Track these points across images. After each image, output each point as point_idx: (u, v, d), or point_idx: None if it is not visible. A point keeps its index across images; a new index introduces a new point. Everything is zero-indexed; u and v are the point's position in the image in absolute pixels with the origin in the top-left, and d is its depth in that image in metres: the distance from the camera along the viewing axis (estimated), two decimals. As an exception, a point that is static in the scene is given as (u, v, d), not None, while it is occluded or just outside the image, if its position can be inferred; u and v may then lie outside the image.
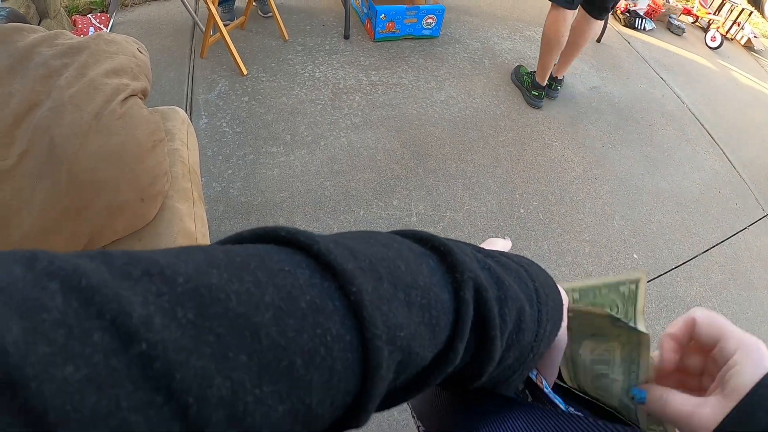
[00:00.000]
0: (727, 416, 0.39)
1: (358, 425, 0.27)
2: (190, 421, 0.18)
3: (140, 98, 1.17)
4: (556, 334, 0.45)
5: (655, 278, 2.52)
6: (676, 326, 0.50)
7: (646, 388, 0.47)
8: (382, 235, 0.34)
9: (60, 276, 0.18)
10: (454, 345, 0.31)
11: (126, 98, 1.08)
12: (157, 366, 0.18)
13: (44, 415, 0.15)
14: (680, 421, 0.43)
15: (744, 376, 0.40)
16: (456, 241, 0.37)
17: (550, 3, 2.77)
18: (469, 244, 0.39)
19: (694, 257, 2.70)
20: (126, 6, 3.43)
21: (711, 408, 0.41)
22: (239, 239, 0.29)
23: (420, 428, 0.71)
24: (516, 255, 0.45)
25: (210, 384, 0.19)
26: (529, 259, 0.45)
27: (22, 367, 0.15)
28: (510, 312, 0.34)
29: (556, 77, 3.13)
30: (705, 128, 3.52)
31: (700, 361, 0.49)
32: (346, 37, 3.32)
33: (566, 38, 2.80)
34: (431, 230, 2.41)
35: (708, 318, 0.47)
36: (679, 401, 0.44)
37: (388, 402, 0.31)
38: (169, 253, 0.23)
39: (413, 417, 0.78)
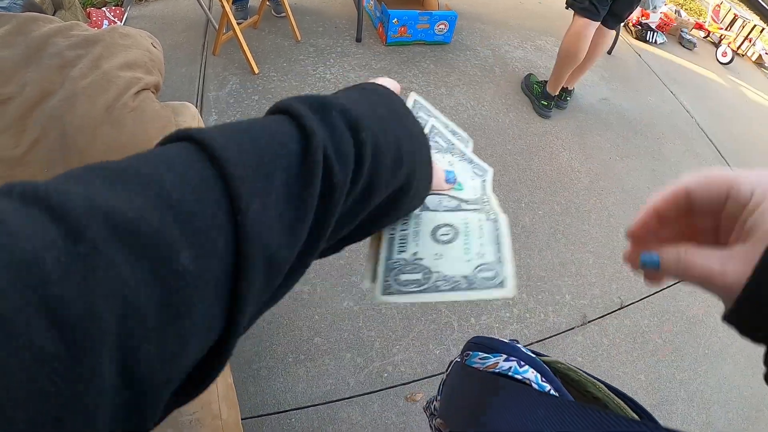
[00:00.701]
0: (760, 262, 0.33)
1: (245, 228, 0.27)
2: (59, 218, 0.21)
3: (153, 92, 1.16)
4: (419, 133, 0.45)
5: (657, 292, 2.51)
6: (661, 201, 0.43)
7: (657, 251, 0.41)
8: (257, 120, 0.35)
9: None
10: (302, 210, 0.31)
11: (138, 92, 1.08)
12: (28, 194, 0.21)
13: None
14: (710, 280, 0.37)
15: None
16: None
17: (572, 13, 2.76)
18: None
19: (698, 272, 2.69)
20: (140, 0, 3.45)
21: (740, 259, 0.35)
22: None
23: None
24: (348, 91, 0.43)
25: (67, 190, 0.22)
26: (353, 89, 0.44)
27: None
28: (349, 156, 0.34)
29: (567, 88, 3.13)
30: (713, 143, 3.51)
31: (711, 221, 0.41)
32: (358, 40, 3.33)
33: (585, 52, 2.79)
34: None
35: (705, 181, 0.39)
36: (703, 259, 0.37)
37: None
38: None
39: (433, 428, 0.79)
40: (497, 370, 0.61)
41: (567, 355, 2.15)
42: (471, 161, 0.58)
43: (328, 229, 0.34)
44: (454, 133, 0.60)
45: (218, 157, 0.27)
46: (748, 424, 2.33)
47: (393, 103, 0.44)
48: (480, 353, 0.66)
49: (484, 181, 0.57)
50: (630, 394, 1.83)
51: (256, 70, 2.94)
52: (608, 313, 2.36)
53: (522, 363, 0.60)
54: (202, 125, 1.43)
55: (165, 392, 0.24)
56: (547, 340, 2.17)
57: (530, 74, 3.29)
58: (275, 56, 3.12)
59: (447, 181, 0.51)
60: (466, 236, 0.51)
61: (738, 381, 2.40)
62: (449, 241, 0.50)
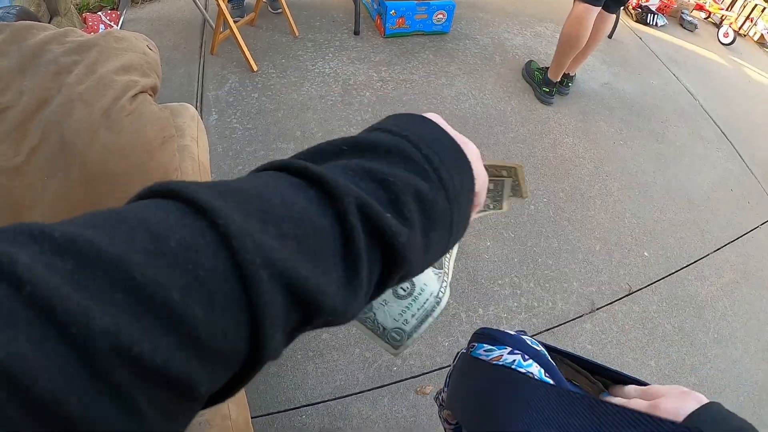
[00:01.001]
0: None
1: (264, 357, 0.28)
2: (81, 351, 0.20)
3: (150, 95, 1.16)
4: (471, 179, 0.43)
5: (665, 276, 2.50)
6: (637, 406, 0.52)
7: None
8: (262, 175, 0.34)
9: None
10: (356, 269, 0.32)
11: (135, 95, 1.08)
12: (42, 304, 0.20)
13: None
14: None
15: None
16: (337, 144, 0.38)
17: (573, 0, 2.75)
18: (336, 144, 0.39)
19: (706, 256, 2.68)
20: (136, 3, 3.44)
21: None
22: (129, 201, 0.30)
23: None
24: (392, 119, 0.43)
25: (91, 317, 0.20)
26: (403, 116, 0.43)
27: None
28: (408, 205, 0.35)
29: (568, 74, 3.11)
30: (717, 125, 3.48)
31: None
32: (356, 33, 3.31)
33: (587, 38, 2.77)
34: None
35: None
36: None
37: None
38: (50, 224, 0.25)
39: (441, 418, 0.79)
40: (501, 363, 0.61)
41: (576, 343, 2.15)
42: None
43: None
44: None
45: (256, 299, 0.27)
46: (759, 407, 2.32)
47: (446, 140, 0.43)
48: (485, 345, 0.66)
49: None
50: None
51: (255, 68, 2.93)
52: (616, 300, 2.35)
53: (526, 357, 0.60)
54: (201, 126, 1.46)
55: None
56: (556, 329, 2.17)
57: (531, 61, 3.26)
58: (273, 53, 3.11)
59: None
60: (413, 301, 0.58)
61: (748, 365, 2.39)
62: (400, 297, 0.57)
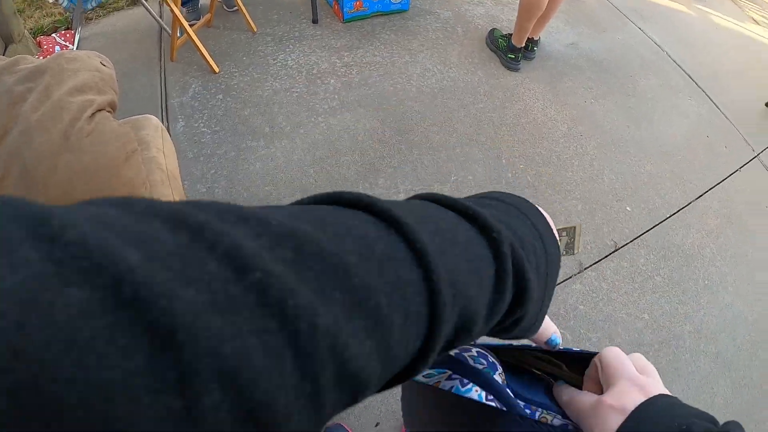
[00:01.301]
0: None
1: (419, 370, 0.29)
2: (300, 349, 0.19)
3: (109, 111, 1.16)
4: (558, 255, 0.46)
5: (650, 229, 2.49)
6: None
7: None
8: (419, 202, 0.36)
9: (162, 215, 0.19)
10: (502, 294, 0.33)
11: (93, 114, 1.08)
12: (272, 293, 0.19)
13: (172, 335, 0.15)
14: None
15: None
16: (467, 199, 0.40)
17: None
18: (471, 198, 0.42)
19: (688, 204, 2.68)
20: (90, 20, 3.36)
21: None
22: (299, 203, 0.31)
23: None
24: (499, 193, 0.46)
25: (317, 314, 0.20)
26: (510, 194, 0.47)
27: (150, 285, 0.16)
28: (530, 254, 0.37)
29: (533, 38, 3.07)
30: (687, 74, 3.47)
31: None
32: (315, 21, 3.25)
33: (547, 0, 2.73)
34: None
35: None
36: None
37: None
38: (250, 207, 0.24)
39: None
40: (441, 388, 0.58)
41: (567, 305, 2.13)
42: None
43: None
44: None
45: (437, 317, 0.28)
46: (756, 348, 2.32)
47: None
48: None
49: None
50: (636, 334, 1.81)
51: (217, 69, 2.87)
52: (604, 257, 2.33)
53: (465, 381, 0.57)
54: (166, 135, 1.47)
55: None
56: (545, 293, 2.14)
57: (494, 29, 3.22)
58: (233, 52, 3.05)
59: (549, 342, 0.54)
60: None
61: (741, 308, 2.39)
62: None
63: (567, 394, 0.54)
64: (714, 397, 2.09)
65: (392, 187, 2.39)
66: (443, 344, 0.30)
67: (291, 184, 2.34)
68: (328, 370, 0.21)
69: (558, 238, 0.48)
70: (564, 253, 0.60)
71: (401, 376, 0.29)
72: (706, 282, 2.41)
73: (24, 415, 0.13)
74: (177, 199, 1.34)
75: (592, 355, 0.56)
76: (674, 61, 3.54)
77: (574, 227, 0.61)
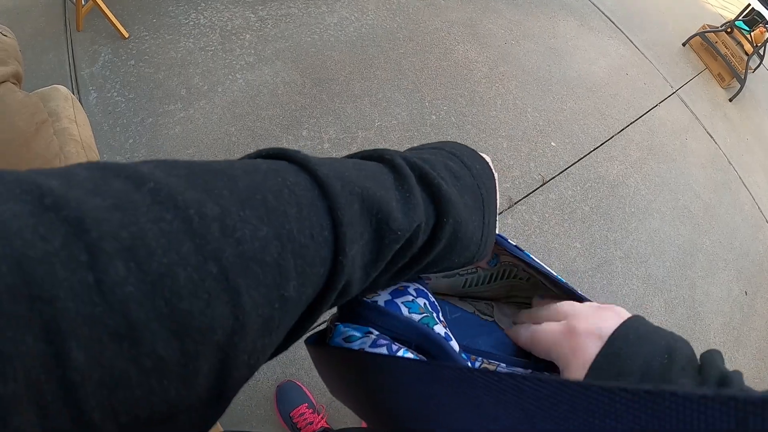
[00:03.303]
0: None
1: (347, 272, 0.31)
2: (194, 232, 0.22)
3: (13, 83, 1.09)
4: (491, 178, 0.47)
5: (575, 162, 2.49)
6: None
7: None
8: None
9: (82, 165, 0.23)
10: (408, 192, 0.35)
11: None
12: (164, 193, 0.22)
13: (80, 222, 0.19)
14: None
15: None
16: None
17: None
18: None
19: (611, 138, 2.70)
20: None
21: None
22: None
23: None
24: (435, 142, 0.48)
25: (204, 205, 0.23)
26: (445, 141, 0.48)
27: (66, 196, 0.20)
28: (440, 170, 0.39)
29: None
30: (606, 15, 3.50)
31: None
32: (224, -24, 3.09)
33: None
34: (345, 152, 2.31)
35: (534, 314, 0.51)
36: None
37: (399, 273, 0.39)
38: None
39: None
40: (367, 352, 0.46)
41: (498, 239, 2.10)
42: None
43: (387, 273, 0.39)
44: None
45: (333, 201, 0.30)
46: (685, 269, 2.37)
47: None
48: (346, 327, 0.49)
49: None
50: (569, 263, 1.79)
51: (126, 35, 2.67)
52: (532, 192, 2.32)
53: (394, 348, 0.45)
54: (78, 105, 1.42)
55: (244, 381, 0.27)
56: (475, 228, 2.11)
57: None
58: (142, 14, 2.84)
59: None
60: None
61: (668, 231, 2.43)
62: None
63: (526, 330, 0.49)
64: (649, 317, 2.06)
65: (316, 137, 2.29)
66: (365, 248, 0.32)
67: (214, 145, 2.21)
68: (227, 252, 0.23)
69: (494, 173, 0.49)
70: None
71: (329, 284, 0.30)
72: (633, 209, 2.43)
73: None
74: None
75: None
76: (593, 3, 3.57)
77: None
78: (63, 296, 0.17)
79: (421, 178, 0.37)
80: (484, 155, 0.49)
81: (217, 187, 0.25)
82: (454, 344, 0.46)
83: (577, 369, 0.40)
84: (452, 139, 2.50)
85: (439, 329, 0.46)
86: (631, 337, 0.40)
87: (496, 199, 0.47)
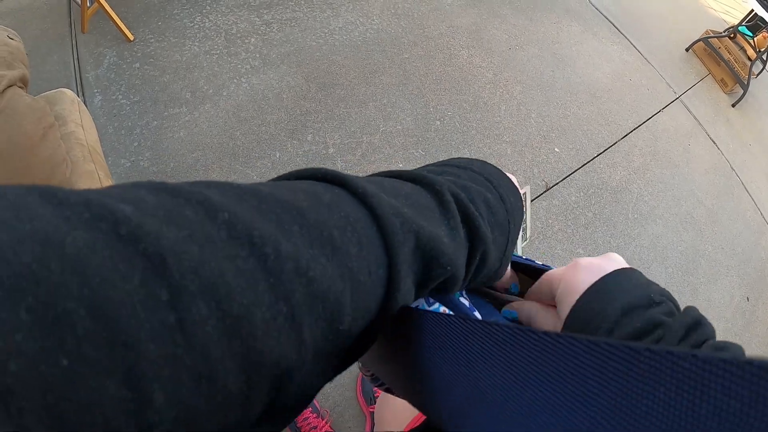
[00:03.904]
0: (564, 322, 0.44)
1: (401, 297, 0.32)
2: (269, 270, 0.23)
3: (20, 87, 1.10)
4: (521, 208, 0.49)
5: (579, 168, 2.50)
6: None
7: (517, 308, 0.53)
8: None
9: (144, 186, 0.23)
10: (456, 228, 0.36)
11: (4, 90, 1.03)
12: (239, 228, 0.23)
13: (161, 258, 0.19)
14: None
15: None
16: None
17: None
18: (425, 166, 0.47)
19: (614, 144, 2.71)
20: (-12, -3, 3.11)
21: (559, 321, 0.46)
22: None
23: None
24: (457, 159, 0.49)
25: (279, 242, 0.24)
26: (474, 160, 0.50)
27: (142, 225, 0.19)
28: (479, 205, 0.41)
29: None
30: (609, 21, 3.51)
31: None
32: (230, -20, 3.11)
33: None
34: (350, 158, 2.33)
35: (538, 288, 0.51)
36: (541, 320, 0.50)
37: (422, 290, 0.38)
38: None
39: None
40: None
41: (502, 245, 2.12)
42: None
43: None
44: None
45: (391, 239, 0.31)
46: (688, 275, 2.38)
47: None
48: None
49: None
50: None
51: (131, 37, 2.69)
52: (536, 197, 2.33)
53: (431, 301, 0.49)
54: (83, 108, 1.41)
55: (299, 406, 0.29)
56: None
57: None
58: (147, 17, 2.86)
59: (510, 289, 0.57)
60: None
61: (670, 237, 2.44)
62: None
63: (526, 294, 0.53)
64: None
65: (321, 142, 2.31)
66: (416, 277, 0.34)
67: (218, 149, 2.22)
68: (298, 292, 0.24)
69: (522, 194, 0.51)
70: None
71: (384, 309, 0.32)
72: (636, 215, 2.44)
73: (42, 326, 0.15)
74: (101, 174, 1.29)
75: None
76: (596, 8, 3.59)
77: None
78: (144, 338, 0.17)
79: (464, 216, 0.38)
80: (510, 176, 0.50)
81: (287, 221, 0.26)
82: (478, 315, 0.49)
83: (571, 294, 0.43)
84: (456, 144, 2.55)
85: (464, 301, 0.50)
86: (624, 279, 0.42)
87: (520, 228, 0.49)
